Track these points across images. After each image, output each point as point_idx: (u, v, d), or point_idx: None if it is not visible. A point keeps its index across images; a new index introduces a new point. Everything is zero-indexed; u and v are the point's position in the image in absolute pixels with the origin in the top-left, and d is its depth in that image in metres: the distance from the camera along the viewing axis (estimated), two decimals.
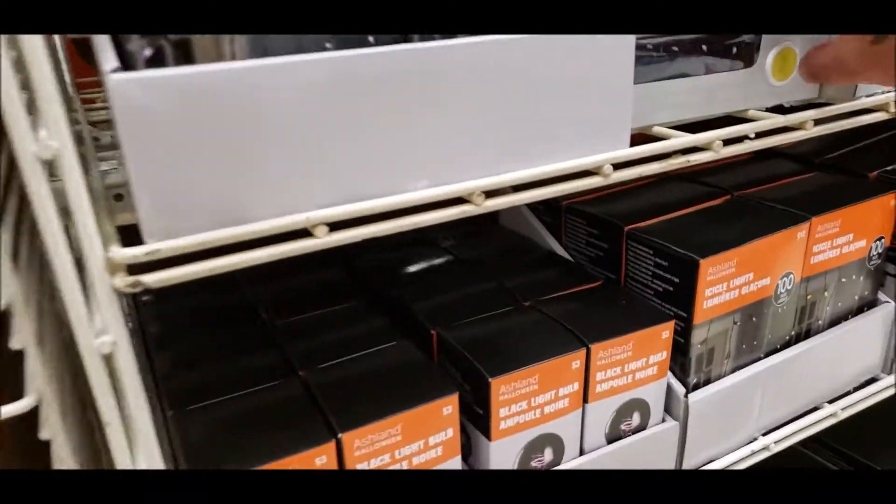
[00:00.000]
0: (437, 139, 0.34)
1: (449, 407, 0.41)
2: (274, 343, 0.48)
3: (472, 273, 0.57)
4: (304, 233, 0.32)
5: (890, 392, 0.68)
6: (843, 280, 0.61)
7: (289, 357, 0.46)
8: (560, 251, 0.61)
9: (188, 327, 0.51)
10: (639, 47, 0.47)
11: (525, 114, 0.36)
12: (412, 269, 0.59)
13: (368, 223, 0.34)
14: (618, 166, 0.40)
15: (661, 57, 0.47)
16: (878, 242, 0.62)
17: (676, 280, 0.51)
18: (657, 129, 0.46)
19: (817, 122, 0.48)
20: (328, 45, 0.32)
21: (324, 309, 0.51)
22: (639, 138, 0.48)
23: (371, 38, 0.32)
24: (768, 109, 0.51)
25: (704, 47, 0.48)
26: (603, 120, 0.38)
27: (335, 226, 0.33)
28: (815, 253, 0.57)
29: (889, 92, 0.52)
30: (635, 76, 0.47)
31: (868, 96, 0.51)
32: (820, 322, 0.62)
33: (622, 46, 0.38)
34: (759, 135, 0.46)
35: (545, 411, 0.46)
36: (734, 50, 0.49)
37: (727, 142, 0.44)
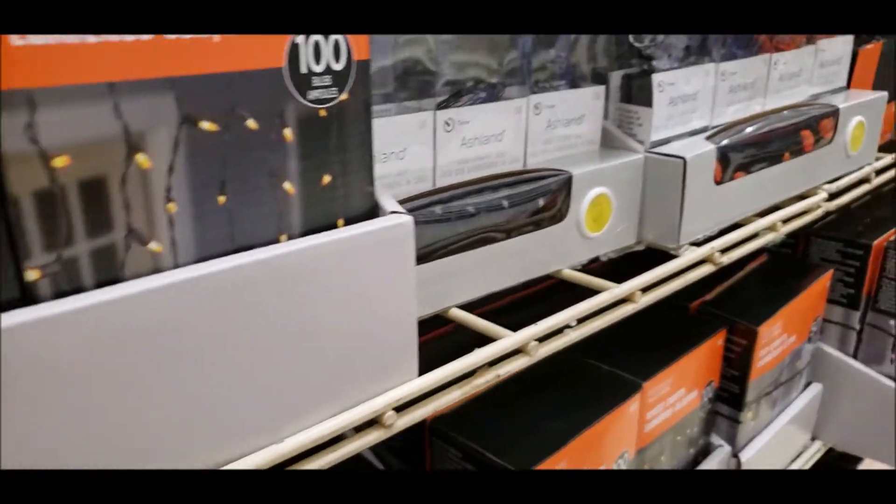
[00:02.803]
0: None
1: None
2: None
3: None
4: None
5: None
6: (679, 438, 0.53)
7: None
8: None
9: None
10: (425, 212, 0.36)
11: (239, 361, 0.23)
12: None
13: None
14: (404, 407, 0.28)
15: (453, 220, 0.37)
16: (708, 387, 0.55)
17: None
18: (455, 313, 0.35)
19: (645, 289, 0.39)
20: None
21: None
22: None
23: None
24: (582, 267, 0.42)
25: (505, 203, 0.38)
26: (374, 346, 0.26)
27: None
28: (648, 420, 0.49)
29: (714, 239, 0.44)
30: (422, 244, 0.36)
31: (694, 244, 0.43)
32: None
33: (394, 233, 0.26)
34: (581, 319, 0.36)
35: None
36: (541, 202, 0.40)
37: (543, 338, 0.34)
